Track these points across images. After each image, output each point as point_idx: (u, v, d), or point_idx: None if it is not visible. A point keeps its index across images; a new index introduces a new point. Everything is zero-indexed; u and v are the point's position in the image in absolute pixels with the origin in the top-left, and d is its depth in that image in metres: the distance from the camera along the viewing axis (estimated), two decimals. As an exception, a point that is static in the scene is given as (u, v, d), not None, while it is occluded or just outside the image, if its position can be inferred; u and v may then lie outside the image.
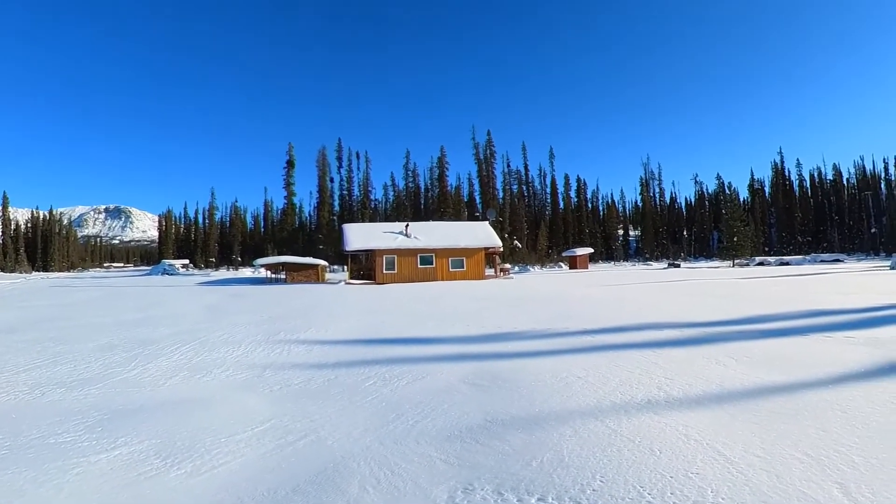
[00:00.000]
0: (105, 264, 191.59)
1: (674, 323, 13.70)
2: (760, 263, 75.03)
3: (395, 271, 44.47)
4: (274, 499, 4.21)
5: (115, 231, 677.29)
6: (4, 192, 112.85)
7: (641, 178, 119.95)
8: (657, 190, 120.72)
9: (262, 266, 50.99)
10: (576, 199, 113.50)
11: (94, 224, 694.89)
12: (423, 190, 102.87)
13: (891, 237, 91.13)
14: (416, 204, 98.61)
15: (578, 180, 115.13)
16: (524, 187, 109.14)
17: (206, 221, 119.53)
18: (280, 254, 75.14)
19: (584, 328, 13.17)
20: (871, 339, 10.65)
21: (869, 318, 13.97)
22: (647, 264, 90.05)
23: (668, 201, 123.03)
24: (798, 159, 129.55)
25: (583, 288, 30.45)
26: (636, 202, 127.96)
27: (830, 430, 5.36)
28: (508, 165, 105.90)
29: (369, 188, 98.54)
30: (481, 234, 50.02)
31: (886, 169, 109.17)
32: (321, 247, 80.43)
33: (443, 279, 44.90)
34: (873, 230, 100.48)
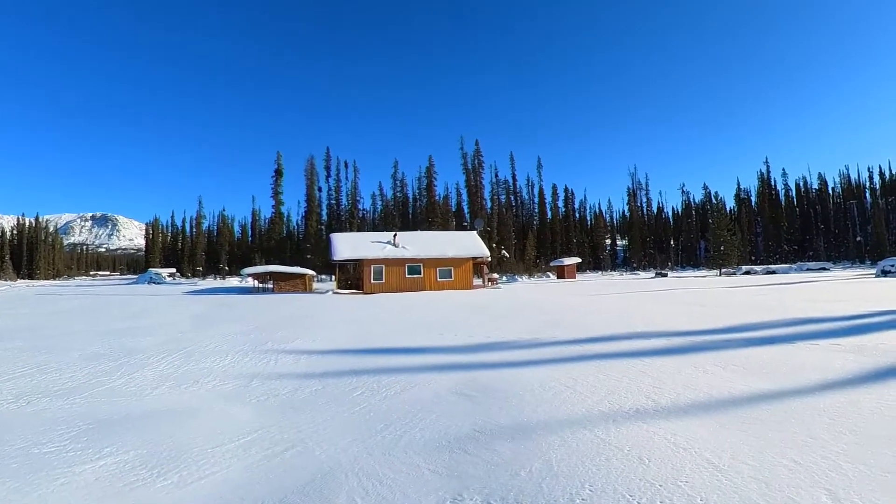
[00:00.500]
0: (91, 272, 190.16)
1: (661, 332, 13.75)
2: (747, 272, 75.55)
3: (383, 281, 44.33)
4: (260, 510, 4.17)
5: (101, 239, 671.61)
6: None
7: (629, 188, 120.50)
8: (644, 200, 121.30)
9: (249, 275, 50.72)
10: (563, 209, 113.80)
11: (81, 232, 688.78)
12: (411, 199, 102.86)
13: (876, 245, 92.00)
14: (404, 213, 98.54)
15: (566, 190, 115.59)
16: (512, 197, 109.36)
17: (194, 230, 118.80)
18: (268, 263, 74.87)
19: (572, 338, 13.19)
20: (858, 346, 10.74)
21: (855, 325, 14.07)
22: (635, 274, 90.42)
23: (655, 211, 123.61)
24: (784, 169, 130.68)
25: (570, 297, 30.53)
26: (623, 212, 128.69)
27: (818, 436, 5.39)
28: (496, 175, 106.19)
29: (357, 197, 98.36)
30: (469, 243, 50.00)
31: (871, 178, 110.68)
32: (309, 256, 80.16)
33: (431, 289, 44.80)
34: (858, 238, 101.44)
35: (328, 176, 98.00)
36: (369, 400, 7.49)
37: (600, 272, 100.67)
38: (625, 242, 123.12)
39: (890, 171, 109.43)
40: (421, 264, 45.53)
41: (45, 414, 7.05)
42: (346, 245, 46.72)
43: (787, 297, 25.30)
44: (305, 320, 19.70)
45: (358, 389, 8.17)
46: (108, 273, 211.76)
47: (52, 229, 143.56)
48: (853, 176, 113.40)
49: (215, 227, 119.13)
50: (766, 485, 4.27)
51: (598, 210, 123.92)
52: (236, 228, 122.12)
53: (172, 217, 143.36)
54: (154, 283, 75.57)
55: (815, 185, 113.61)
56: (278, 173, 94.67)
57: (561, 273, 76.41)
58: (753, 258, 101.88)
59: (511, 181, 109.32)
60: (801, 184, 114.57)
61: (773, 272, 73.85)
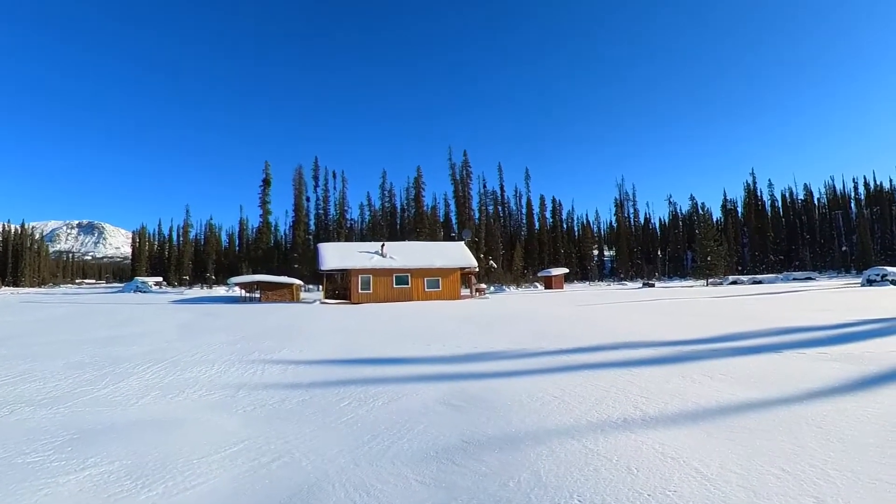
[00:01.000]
0: (77, 280, 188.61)
1: (649, 342, 13.79)
2: (734, 282, 76.07)
3: (371, 291, 44.24)
4: (246, 522, 4.13)
5: (87, 247, 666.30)
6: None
7: (616, 199, 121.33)
8: (631, 210, 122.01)
9: (236, 285, 50.48)
10: (551, 220, 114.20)
11: (67, 239, 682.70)
12: (399, 210, 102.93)
13: (861, 255, 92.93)
14: (392, 224, 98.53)
15: (554, 201, 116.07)
16: (500, 208, 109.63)
17: (181, 239, 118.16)
18: (255, 272, 74.40)
19: (559, 348, 13.19)
20: (844, 354, 10.83)
21: (841, 334, 14.18)
22: (622, 284, 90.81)
23: (642, 222, 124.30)
24: (770, 180, 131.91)
25: (558, 308, 30.59)
26: (611, 222, 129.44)
27: (806, 444, 5.41)
28: (484, 186, 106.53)
29: (345, 207, 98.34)
30: (457, 254, 50.03)
31: (856, 188, 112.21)
32: (296, 266, 79.96)
33: (418, 299, 44.75)
34: (844, 248, 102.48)
35: (316, 186, 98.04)
36: (357, 410, 7.45)
37: (588, 283, 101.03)
38: (612, 253, 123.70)
39: (874, 181, 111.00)
40: (409, 274, 45.51)
41: (29, 423, 6.96)
42: (334, 255, 46.64)
43: (773, 306, 25.48)
44: (292, 330, 19.61)
45: (345, 400, 8.12)
46: (94, 281, 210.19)
47: (37, 236, 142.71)
48: (838, 186, 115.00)
49: (202, 236, 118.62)
50: (754, 493, 4.28)
51: (585, 221, 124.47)
52: (223, 237, 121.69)
53: (159, 225, 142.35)
54: (140, 291, 75.10)
55: (801, 196, 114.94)
56: (266, 182, 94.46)
57: (548, 283, 76.58)
58: (740, 268, 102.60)
59: (499, 192, 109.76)
60: (787, 194, 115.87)
61: (760, 282, 74.39)
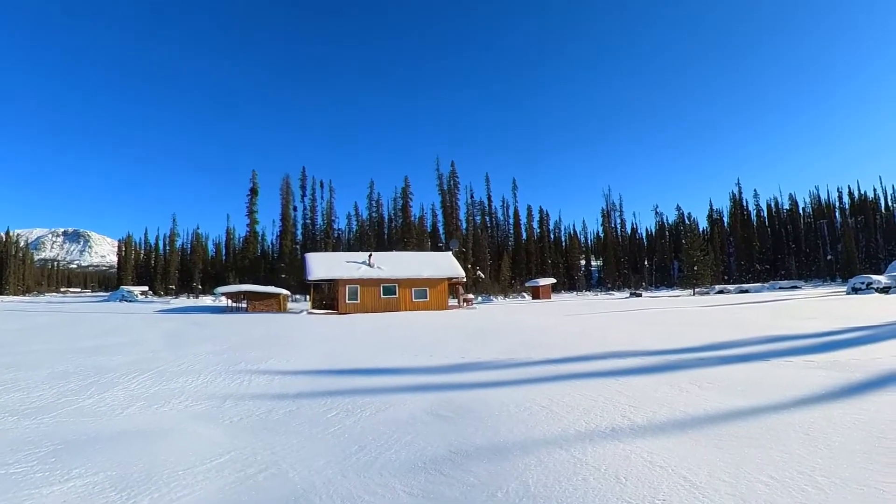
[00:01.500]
0: (62, 289, 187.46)
1: (636, 351, 13.82)
2: (720, 292, 76.54)
3: (358, 301, 44.16)
4: (231, 535, 4.09)
5: (73, 255, 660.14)
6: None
7: (603, 209, 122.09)
8: (618, 221, 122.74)
9: (222, 294, 50.22)
10: (538, 230, 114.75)
11: (52, 247, 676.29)
12: (386, 220, 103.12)
13: (846, 263, 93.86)
14: (379, 234, 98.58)
15: (541, 211, 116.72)
16: (487, 218, 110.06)
17: (167, 248, 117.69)
18: (242, 282, 74.05)
19: (547, 358, 13.19)
20: (830, 362, 10.90)
21: (827, 342, 14.29)
22: (609, 294, 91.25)
23: (629, 232, 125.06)
24: (755, 190, 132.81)
25: (545, 318, 30.65)
26: (598, 232, 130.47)
27: (794, 452, 5.42)
28: (472, 196, 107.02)
29: (333, 217, 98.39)
30: (444, 264, 50.07)
31: (840, 198, 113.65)
32: (283, 276, 79.75)
33: (406, 309, 44.72)
34: (829, 257, 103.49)
35: (304, 195, 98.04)
36: (344, 421, 7.40)
37: (575, 292, 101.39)
38: (599, 263, 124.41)
39: (859, 190, 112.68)
40: (396, 285, 45.50)
41: (12, 434, 6.87)
42: (321, 265, 46.55)
43: (760, 315, 25.65)
44: (279, 340, 19.51)
45: (332, 410, 8.07)
46: (79, 290, 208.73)
47: (22, 244, 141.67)
48: (823, 196, 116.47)
49: (189, 245, 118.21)
50: (742, 501, 4.28)
51: (572, 231, 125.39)
52: (210, 247, 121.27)
53: (146, 234, 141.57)
54: (126, 300, 74.45)
55: (787, 206, 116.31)
56: (253, 192, 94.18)
57: (536, 294, 76.80)
58: (726, 277, 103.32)
59: (486, 202, 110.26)
60: (773, 204, 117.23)
61: (746, 291, 74.92)
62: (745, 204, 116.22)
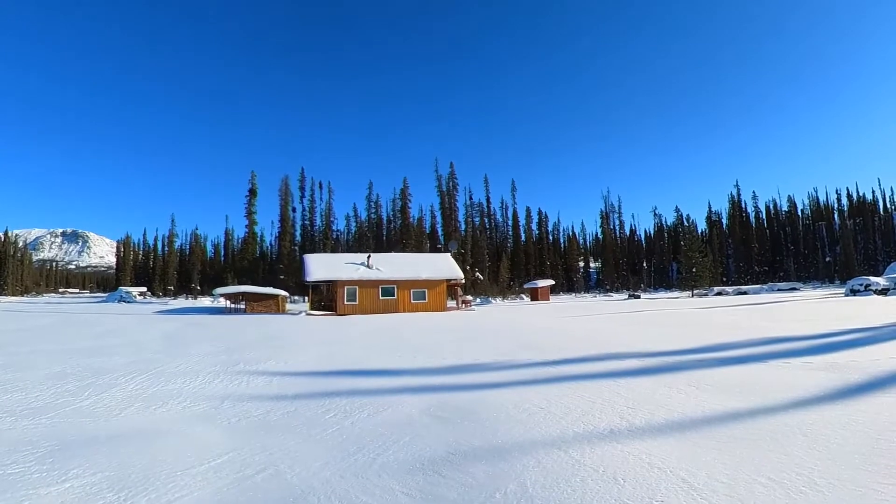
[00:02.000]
0: (60, 290, 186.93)
1: (635, 353, 13.82)
2: (719, 293, 76.53)
3: (357, 302, 44.05)
4: (229, 536, 4.08)
5: (71, 256, 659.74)
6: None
7: (602, 211, 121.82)
8: (617, 222, 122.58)
9: (221, 295, 50.12)
10: (537, 232, 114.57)
11: (51, 248, 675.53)
12: (385, 221, 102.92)
13: (845, 265, 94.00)
14: (378, 235, 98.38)
15: (540, 213, 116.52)
16: (486, 219, 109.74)
17: (166, 249, 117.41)
18: (240, 283, 73.93)
19: (545, 359, 13.19)
20: (828, 363, 10.91)
21: (826, 343, 14.30)
22: (608, 296, 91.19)
23: (627, 233, 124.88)
24: (754, 192, 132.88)
25: (544, 319, 30.65)
26: (596, 234, 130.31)
27: (792, 453, 5.43)
28: (471, 198, 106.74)
29: (331, 218, 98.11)
30: (443, 265, 50.00)
31: (839, 200, 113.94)
32: (282, 277, 79.60)
33: (404, 311, 44.60)
34: (828, 259, 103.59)
35: (302, 196, 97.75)
36: (342, 422, 7.40)
37: (574, 294, 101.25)
38: (598, 265, 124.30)
39: (857, 192, 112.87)
40: (395, 286, 45.41)
41: (10, 434, 6.86)
42: (320, 266, 46.46)
43: (758, 317, 25.66)
44: (278, 341, 19.50)
45: (331, 412, 8.07)
46: (77, 291, 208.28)
47: (21, 244, 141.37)
48: (821, 198, 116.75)
49: (188, 246, 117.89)
50: (740, 502, 4.29)
51: (571, 233, 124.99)
52: (209, 248, 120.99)
53: (144, 235, 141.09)
54: (124, 301, 74.35)
55: (785, 208, 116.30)
56: (252, 193, 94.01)
57: (534, 295, 76.75)
58: (725, 279, 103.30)
59: (485, 203, 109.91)
60: (771, 206, 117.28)
61: (745, 293, 74.90)
62: (743, 206, 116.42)
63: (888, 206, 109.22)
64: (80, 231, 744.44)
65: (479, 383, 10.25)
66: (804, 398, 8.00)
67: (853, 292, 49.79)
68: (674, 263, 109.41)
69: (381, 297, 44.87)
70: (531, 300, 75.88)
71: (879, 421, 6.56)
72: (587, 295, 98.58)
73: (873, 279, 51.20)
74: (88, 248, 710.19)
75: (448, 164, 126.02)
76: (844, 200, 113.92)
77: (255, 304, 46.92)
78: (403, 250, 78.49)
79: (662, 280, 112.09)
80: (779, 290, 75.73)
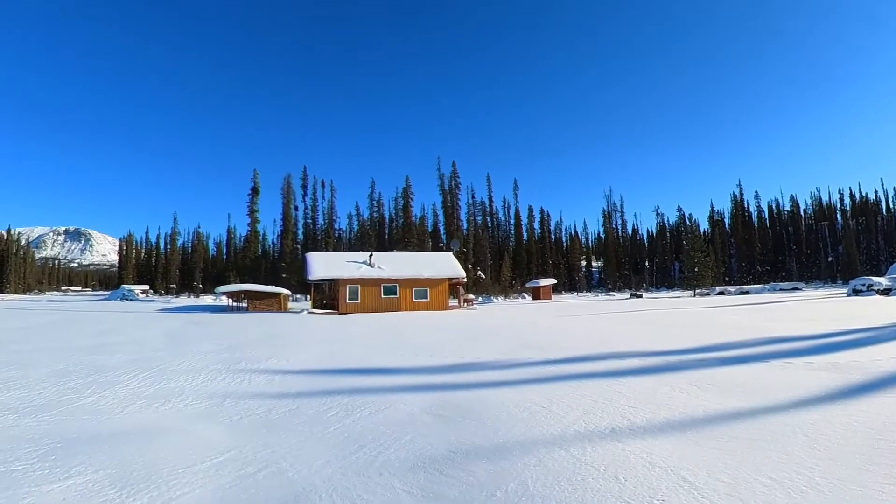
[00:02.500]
0: (63, 288, 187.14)
1: (636, 352, 13.82)
2: (721, 293, 76.51)
3: (359, 301, 44.10)
4: (231, 533, 4.09)
5: (74, 254, 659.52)
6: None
7: (604, 210, 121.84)
8: (619, 221, 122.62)
9: (223, 294, 50.23)
10: (539, 231, 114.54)
11: (53, 246, 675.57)
12: (387, 220, 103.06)
13: (847, 265, 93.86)
14: (380, 234, 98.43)
15: (542, 212, 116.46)
16: (488, 218, 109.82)
17: (168, 247, 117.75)
18: (242, 281, 73.97)
19: (547, 358, 13.19)
20: (830, 363, 10.90)
21: (827, 343, 14.29)
22: (610, 295, 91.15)
23: (630, 232, 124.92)
24: (756, 191, 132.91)
25: (546, 318, 30.66)
26: (599, 233, 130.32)
27: (792, 453, 5.43)
28: (473, 196, 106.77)
29: (334, 217, 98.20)
30: (445, 264, 50.03)
31: (841, 200, 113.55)
32: (284, 275, 79.68)
33: (406, 309, 44.67)
34: (830, 259, 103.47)
35: (305, 195, 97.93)
36: (343, 420, 7.41)
37: (576, 293, 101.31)
38: (600, 264, 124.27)
39: (860, 192, 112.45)
40: (397, 285, 45.45)
41: (12, 431, 6.88)
42: (322, 265, 46.49)
43: (760, 316, 25.64)
44: (280, 340, 19.52)
45: (332, 410, 8.08)
46: (79, 289, 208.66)
47: (23, 242, 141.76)
48: (824, 198, 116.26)
49: (190, 245, 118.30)
50: (741, 501, 4.29)
51: (573, 232, 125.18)
52: (211, 246, 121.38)
53: (147, 233, 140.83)
54: (127, 299, 74.44)
55: (787, 207, 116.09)
56: (254, 191, 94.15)
57: (536, 294, 76.75)
58: (727, 279, 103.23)
59: (487, 202, 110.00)
60: (774, 206, 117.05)
61: (747, 292, 74.86)
62: (746, 205, 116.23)
63: (891, 206, 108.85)
64: (82, 229, 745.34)
65: (481, 382, 10.26)
66: (805, 398, 8.00)
67: (855, 292, 49.75)
68: (676, 263, 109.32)
69: (383, 296, 44.91)
70: (533, 299, 75.89)
71: (880, 421, 6.56)
72: (589, 294, 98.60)
73: (876, 279, 51.15)
74: (91, 246, 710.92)
75: (450, 162, 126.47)
76: (847, 200, 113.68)
77: (258, 302, 46.99)
78: (405, 249, 78.49)
79: (664, 279, 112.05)
80: (781, 289, 75.67)
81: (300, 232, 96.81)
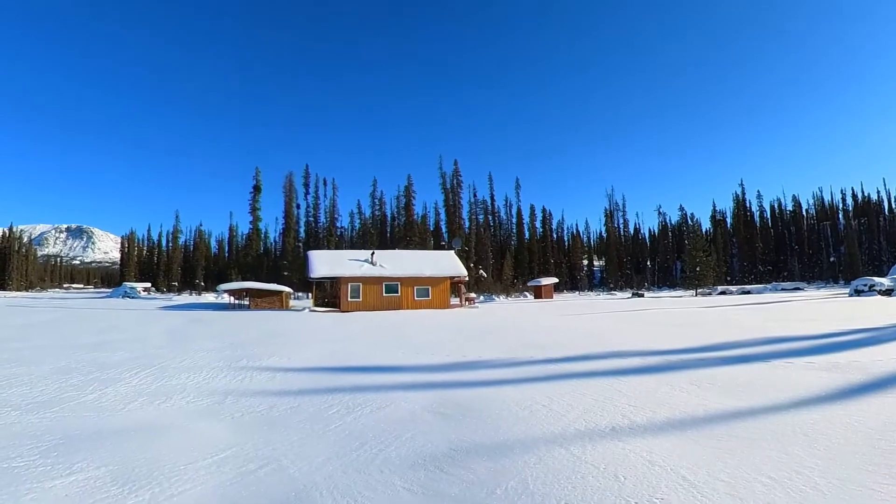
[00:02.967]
0: (65, 285, 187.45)
1: (637, 351, 13.82)
2: (722, 292, 76.46)
3: (360, 299, 44.14)
4: (232, 529, 4.10)
5: (76, 251, 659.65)
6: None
7: (606, 209, 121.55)
8: (621, 221, 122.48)
9: (225, 291, 50.30)
10: (541, 230, 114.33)
11: (55, 243, 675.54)
12: (389, 218, 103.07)
13: (849, 265, 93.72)
14: (382, 232, 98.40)
15: (544, 211, 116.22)
16: (490, 217, 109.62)
17: (170, 244, 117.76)
18: (244, 279, 74.10)
19: (548, 357, 13.20)
20: (831, 363, 10.90)
21: (828, 343, 14.29)
22: (612, 294, 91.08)
23: (631, 232, 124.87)
24: (759, 191, 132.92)
25: (547, 317, 30.65)
26: (600, 232, 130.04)
27: (792, 452, 5.44)
28: (475, 195, 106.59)
29: (336, 215, 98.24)
30: (447, 263, 50.05)
31: (844, 200, 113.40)
32: (286, 273, 79.64)
33: (408, 308, 44.70)
34: (832, 259, 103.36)
35: (307, 193, 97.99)
36: (345, 418, 7.42)
37: (577, 292, 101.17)
38: (602, 263, 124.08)
39: (862, 192, 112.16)
40: (398, 283, 45.48)
41: (14, 428, 6.90)
42: (324, 263, 46.52)
43: (761, 316, 25.64)
44: (281, 337, 19.54)
45: (333, 407, 8.09)
46: (81, 286, 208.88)
47: (25, 240, 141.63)
48: (826, 198, 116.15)
49: (192, 242, 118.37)
50: (741, 501, 4.30)
51: (575, 231, 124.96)
52: (213, 244, 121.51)
53: (149, 231, 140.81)
54: (128, 297, 74.52)
55: (790, 207, 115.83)
56: (256, 189, 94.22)
57: (538, 293, 76.67)
58: (729, 278, 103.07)
59: (489, 201, 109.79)
60: (776, 205, 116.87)
61: (748, 292, 74.84)
62: (748, 205, 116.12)
63: (893, 206, 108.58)
64: (84, 227, 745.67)
65: (482, 380, 10.28)
66: (806, 398, 8.00)
67: (857, 293, 49.70)
68: (678, 262, 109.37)
69: (384, 294, 44.95)
70: (535, 298, 75.83)
71: (881, 421, 6.56)
72: (591, 293, 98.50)
73: (877, 280, 51.08)
74: (93, 243, 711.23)
75: (452, 161, 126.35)
76: (849, 200, 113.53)
77: (259, 300, 47.05)
78: (407, 247, 78.42)
79: (666, 279, 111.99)
80: (782, 289, 75.63)
81: (302, 230, 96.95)
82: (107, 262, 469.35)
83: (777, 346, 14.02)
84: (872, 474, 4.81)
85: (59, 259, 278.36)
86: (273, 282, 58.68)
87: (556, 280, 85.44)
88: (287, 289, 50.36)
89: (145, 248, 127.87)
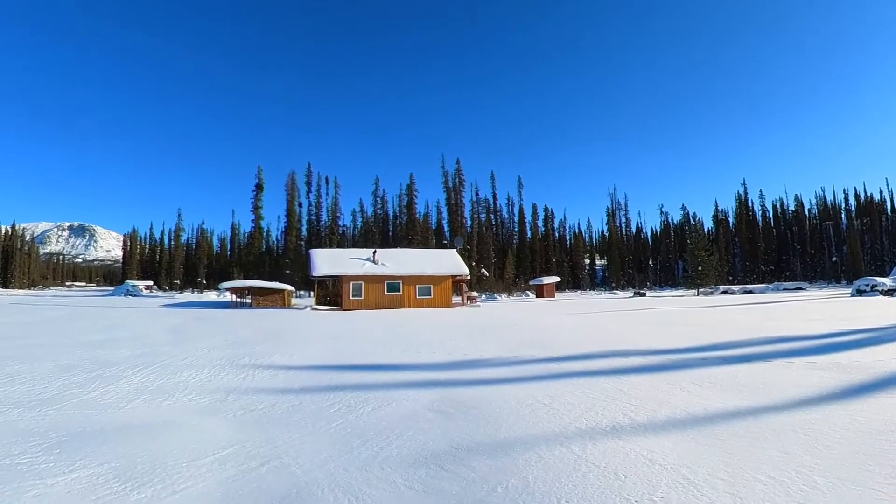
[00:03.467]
0: (67, 283, 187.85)
1: (639, 350, 13.82)
2: (724, 292, 76.37)
3: (362, 298, 44.16)
4: (234, 526, 4.12)
5: (78, 249, 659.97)
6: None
7: (608, 208, 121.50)
8: (623, 220, 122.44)
9: (227, 290, 50.31)
10: (543, 229, 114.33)
11: (58, 241, 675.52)
12: (391, 217, 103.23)
13: (851, 265, 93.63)
14: (384, 231, 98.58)
15: (546, 209, 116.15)
16: (492, 216, 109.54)
17: (172, 243, 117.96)
18: (246, 278, 74.24)
19: (550, 356, 13.21)
20: (832, 363, 10.90)
21: (830, 343, 14.28)
22: (613, 293, 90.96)
23: (634, 231, 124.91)
24: (761, 190, 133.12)
25: (549, 316, 30.63)
26: (603, 232, 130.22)
27: (792, 452, 5.45)
28: (477, 194, 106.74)
29: (338, 213, 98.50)
30: (449, 262, 50.06)
31: (846, 200, 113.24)
32: (288, 272, 79.70)
33: (410, 306, 44.71)
34: (834, 259, 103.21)
35: (309, 191, 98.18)
36: (346, 416, 7.44)
37: (579, 291, 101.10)
38: (604, 262, 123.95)
39: (865, 192, 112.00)
40: (400, 282, 45.51)
41: (17, 425, 6.92)
42: (326, 261, 46.57)
43: (763, 316, 25.61)
44: (283, 336, 19.55)
45: (335, 405, 8.11)
46: (84, 284, 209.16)
47: (28, 238, 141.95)
48: (829, 198, 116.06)
49: (194, 241, 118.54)
50: (740, 500, 4.31)
51: (577, 230, 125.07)
52: (215, 242, 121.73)
53: (151, 229, 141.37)
54: (131, 295, 74.68)
55: (792, 207, 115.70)
56: (259, 187, 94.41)
57: (540, 292, 76.66)
58: (731, 278, 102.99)
59: (491, 200, 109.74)
60: (778, 205, 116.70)
61: (750, 292, 74.77)
62: (750, 204, 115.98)
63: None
64: (86, 225, 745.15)
65: (483, 379, 10.29)
66: (807, 397, 8.01)
67: (859, 293, 49.64)
68: (680, 262, 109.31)
69: (386, 293, 44.97)
70: (536, 297, 75.82)
71: (881, 421, 6.57)
72: (592, 292, 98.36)
73: (880, 280, 51.04)
74: (95, 241, 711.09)
75: (454, 160, 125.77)
76: (852, 200, 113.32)
77: (261, 298, 47.06)
78: (409, 246, 78.55)
79: (668, 278, 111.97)
80: (785, 289, 75.51)
81: (304, 228, 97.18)
82: (109, 260, 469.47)
83: (778, 346, 14.01)
84: (873, 474, 4.82)
85: (61, 257, 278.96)
86: (275, 280, 58.68)
87: (557, 279, 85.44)
88: (289, 287, 50.35)
89: (147, 246, 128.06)
